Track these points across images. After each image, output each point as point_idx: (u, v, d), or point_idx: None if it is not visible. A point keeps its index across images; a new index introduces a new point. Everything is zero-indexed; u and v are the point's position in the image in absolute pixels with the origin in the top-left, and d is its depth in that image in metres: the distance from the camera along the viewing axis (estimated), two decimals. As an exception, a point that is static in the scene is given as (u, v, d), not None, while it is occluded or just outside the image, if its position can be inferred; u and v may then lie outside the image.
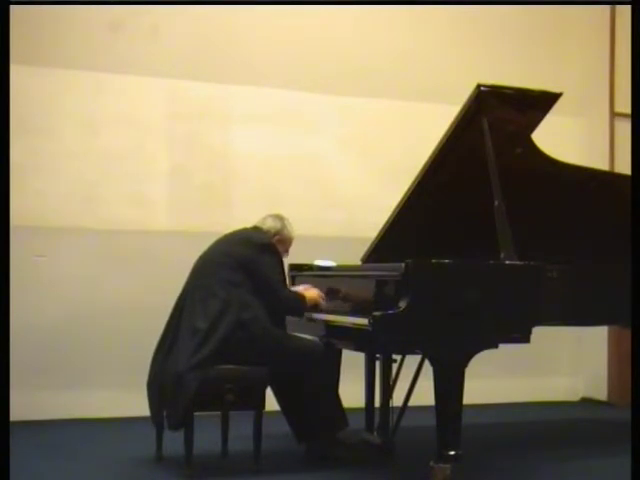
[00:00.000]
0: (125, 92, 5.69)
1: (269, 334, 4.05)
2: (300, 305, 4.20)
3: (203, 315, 4.02)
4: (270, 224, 4.36)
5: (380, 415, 4.35)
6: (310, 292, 4.27)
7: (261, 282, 4.08)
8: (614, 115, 6.51)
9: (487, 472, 4.16)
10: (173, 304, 4.25)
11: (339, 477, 4.04)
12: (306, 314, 4.26)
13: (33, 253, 5.44)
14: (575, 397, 6.66)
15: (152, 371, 4.19)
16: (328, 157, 6.10)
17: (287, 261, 4.49)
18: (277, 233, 4.34)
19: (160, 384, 4.07)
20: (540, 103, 4.14)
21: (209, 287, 4.10)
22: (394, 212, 4.48)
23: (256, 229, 4.36)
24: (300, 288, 4.34)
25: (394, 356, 4.30)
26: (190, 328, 4.03)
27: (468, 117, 4.05)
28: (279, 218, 4.40)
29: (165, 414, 4.07)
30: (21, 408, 4.78)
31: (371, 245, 4.68)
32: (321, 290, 4.31)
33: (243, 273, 4.09)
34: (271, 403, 4.19)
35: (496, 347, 3.75)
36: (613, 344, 6.39)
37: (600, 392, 6.53)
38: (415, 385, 4.30)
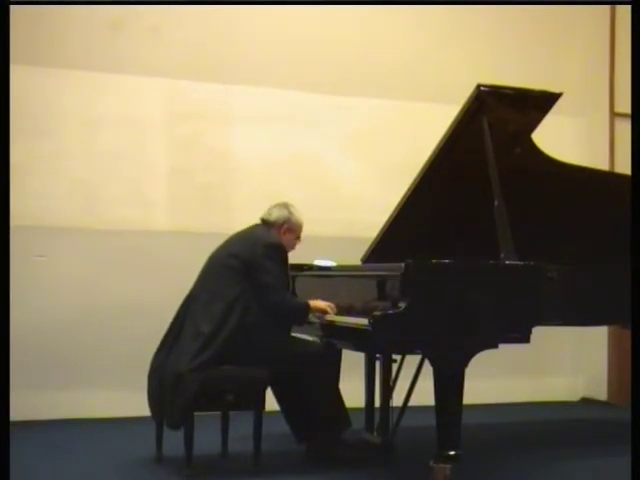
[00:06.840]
0: (125, 92, 5.69)
1: (270, 340, 4.05)
2: (300, 314, 4.15)
3: (207, 318, 4.02)
4: (277, 214, 4.32)
5: (380, 415, 4.35)
6: (318, 302, 4.18)
7: (260, 286, 4.07)
8: (614, 115, 6.51)
9: (487, 472, 4.16)
10: (174, 304, 4.25)
11: (339, 477, 4.03)
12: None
13: (33, 253, 5.43)
14: (575, 397, 6.65)
15: (152, 368, 4.19)
16: (328, 157, 6.10)
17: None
18: (285, 222, 4.31)
19: (159, 381, 4.08)
20: (540, 103, 4.14)
21: (214, 291, 4.09)
22: (394, 212, 4.48)
23: (264, 224, 4.32)
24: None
25: (394, 356, 4.30)
26: (194, 331, 4.03)
27: (468, 117, 4.05)
28: (284, 206, 4.36)
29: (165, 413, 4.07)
30: (21, 408, 4.77)
31: (371, 245, 4.68)
32: (322, 292, 4.28)
33: (247, 275, 4.08)
34: (271, 403, 4.19)
35: (496, 347, 3.75)
36: (613, 344, 6.39)
37: (600, 392, 6.53)
38: (415, 385, 4.30)
